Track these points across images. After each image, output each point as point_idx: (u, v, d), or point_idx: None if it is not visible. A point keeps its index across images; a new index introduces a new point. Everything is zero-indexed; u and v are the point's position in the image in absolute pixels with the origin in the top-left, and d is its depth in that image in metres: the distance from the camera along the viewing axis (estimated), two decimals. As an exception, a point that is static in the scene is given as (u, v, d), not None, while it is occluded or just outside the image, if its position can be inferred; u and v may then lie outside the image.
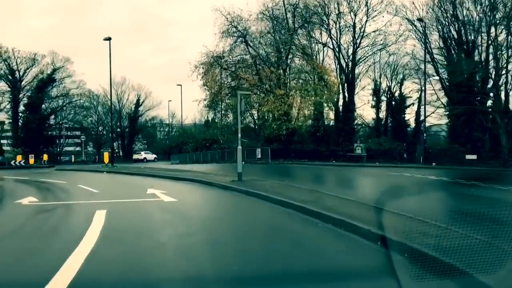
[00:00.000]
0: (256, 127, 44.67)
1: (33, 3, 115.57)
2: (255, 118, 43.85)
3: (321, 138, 47.15)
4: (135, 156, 61.15)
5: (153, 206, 10.85)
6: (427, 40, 38.38)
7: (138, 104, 74.69)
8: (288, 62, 40.69)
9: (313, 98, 36.95)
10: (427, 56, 39.51)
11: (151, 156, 57.65)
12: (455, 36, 38.33)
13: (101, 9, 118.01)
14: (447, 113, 43.19)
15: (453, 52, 39.48)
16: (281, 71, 39.09)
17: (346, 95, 45.62)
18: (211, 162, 42.72)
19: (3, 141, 66.08)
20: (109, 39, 32.91)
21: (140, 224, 8.55)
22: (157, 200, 11.93)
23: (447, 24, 38.95)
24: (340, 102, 45.51)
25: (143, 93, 74.94)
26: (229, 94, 42.52)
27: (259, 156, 37.80)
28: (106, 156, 35.33)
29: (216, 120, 44.21)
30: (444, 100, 43.70)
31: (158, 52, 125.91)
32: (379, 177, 19.21)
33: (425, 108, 38.12)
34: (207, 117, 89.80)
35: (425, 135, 37.69)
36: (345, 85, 45.29)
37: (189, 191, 14.90)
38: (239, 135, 16.77)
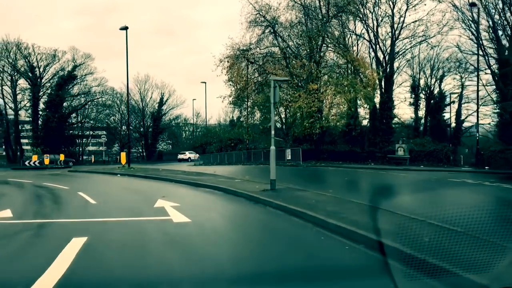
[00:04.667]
0: (285, 126, 41.26)
1: (63, 4, 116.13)
2: (284, 116, 40.45)
3: (355, 138, 43.41)
4: (180, 156, 59.00)
5: (156, 232, 7.64)
6: (478, 29, 34.19)
7: (161, 102, 72.34)
8: (321, 54, 37.11)
9: (349, 93, 33.27)
10: (476, 47, 35.37)
11: (195, 156, 55.00)
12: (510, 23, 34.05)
13: (129, 11, 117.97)
14: (497, 110, 38.99)
15: (507, 41, 35.22)
16: (313, 64, 35.55)
17: (383, 91, 41.86)
18: (236, 163, 39.58)
19: (23, 140, 64.69)
20: (125, 28, 30.11)
21: (122, 272, 5.31)
22: (164, 220, 8.72)
23: (500, 10, 34.73)
24: (377, 99, 41.74)
25: (166, 91, 72.62)
26: (256, 90, 39.25)
27: (289, 158, 34.39)
28: (123, 156, 32.57)
29: (241, 119, 41.00)
30: (494, 96, 39.51)
31: (183, 53, 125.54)
32: (451, 187, 15.52)
33: (478, 104, 33.90)
34: (232, 116, 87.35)
35: (478, 134, 33.49)
36: (383, 80, 41.53)
37: (209, 205, 11.63)
38: (273, 132, 13.39)
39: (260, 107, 37.51)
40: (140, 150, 76.95)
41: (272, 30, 36.94)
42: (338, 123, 33.26)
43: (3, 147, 61.41)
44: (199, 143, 58.06)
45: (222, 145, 49.35)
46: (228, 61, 38.19)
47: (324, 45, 36.72)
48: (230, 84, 39.46)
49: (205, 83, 61.94)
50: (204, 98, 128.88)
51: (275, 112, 41.33)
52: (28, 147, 60.64)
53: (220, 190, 14.07)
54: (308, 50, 35.74)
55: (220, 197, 12.90)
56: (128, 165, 30.74)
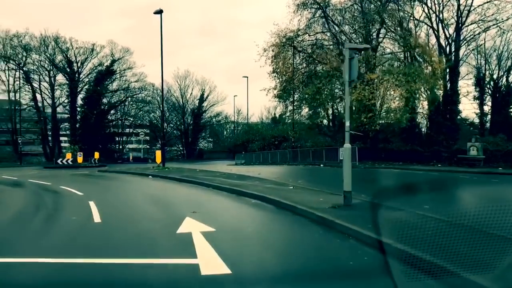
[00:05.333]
0: (335, 121, 37.21)
1: (108, 5, 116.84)
2: (335, 110, 36.43)
3: (412, 136, 38.67)
4: None
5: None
6: None
7: (202, 99, 69.68)
8: (379, 40, 32.74)
9: (413, 84, 28.77)
10: None
11: None
12: None
13: (170, 12, 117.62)
14: None
15: None
16: (370, 51, 31.26)
17: (448, 83, 36.88)
18: (280, 163, 35.88)
19: (63, 138, 63.67)
20: (160, 12, 27.04)
21: None
22: (187, 269, 5.14)
23: None
24: (439, 92, 36.82)
25: (207, 87, 69.83)
26: (304, 82, 35.34)
27: (342, 158, 30.25)
28: (157, 155, 29.56)
29: (287, 114, 37.26)
30: None
31: (224, 53, 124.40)
32: None
33: None
34: (274, 113, 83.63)
35: None
36: (446, 70, 36.56)
37: (258, 231, 7.88)
38: (347, 123, 9.43)
39: (309, 101, 33.58)
40: (180, 148, 74.72)
41: (323, 14, 32.93)
42: (403, 118, 28.85)
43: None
44: (241, 141, 54.77)
45: (265, 143, 45.79)
46: (273, 50, 34.49)
47: (383, 29, 32.33)
48: (275, 76, 35.78)
49: (247, 77, 58.64)
50: (246, 93, 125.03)
51: (320, 109, 37.66)
52: (67, 145, 59.41)
53: (270, 203, 10.39)
54: (364, 36, 31.46)
55: (272, 216, 9.21)
56: (162, 165, 27.67)
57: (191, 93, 69.64)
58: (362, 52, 31.45)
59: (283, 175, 20.95)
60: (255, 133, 50.97)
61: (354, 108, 28.88)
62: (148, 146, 72.38)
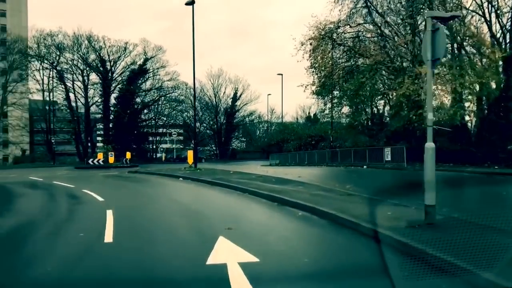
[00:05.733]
0: (382, 119, 34.68)
1: (140, 7, 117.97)
2: (374, 108, 33.90)
3: (462, 135, 35.63)
4: None
5: None
6: None
7: (235, 98, 68.19)
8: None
9: (468, 77, 25.99)
10: None
11: None
12: None
13: (203, 13, 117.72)
14: None
15: None
16: (419, 42, 28.64)
17: (503, 76, 33.68)
18: (318, 164, 33.67)
19: (100, 138, 63.46)
20: (192, 3, 25.37)
21: None
22: None
23: None
24: (492, 86, 33.68)
25: (240, 86, 68.25)
26: (343, 78, 32.96)
27: (388, 158, 27.81)
28: (189, 155, 27.95)
29: (326, 111, 34.97)
30: None
31: (256, 53, 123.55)
32: None
33: None
34: (309, 112, 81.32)
35: None
36: (499, 63, 33.36)
37: (318, 264, 5.76)
38: (430, 115, 7.21)
39: (350, 97, 31.22)
40: (213, 148, 73.47)
41: (365, 3, 30.48)
42: (456, 115, 26.10)
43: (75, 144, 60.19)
44: (275, 140, 52.78)
45: (301, 143, 43.64)
46: (311, 44, 32.22)
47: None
48: (313, 71, 33.56)
49: (282, 75, 56.35)
50: (281, 91, 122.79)
51: (362, 107, 35.14)
52: (101, 144, 59.05)
53: (323, 217, 8.32)
54: (412, 25, 28.83)
55: (330, 237, 7.12)
56: (194, 166, 25.99)
57: (224, 92, 68.33)
58: (409, 43, 28.88)
59: (326, 179, 18.86)
60: (290, 133, 48.85)
61: (404, 104, 26.39)
62: (181, 146, 71.45)
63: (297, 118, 73.44)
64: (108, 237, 7.07)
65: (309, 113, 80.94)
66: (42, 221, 9.20)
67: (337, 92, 33.97)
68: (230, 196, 12.87)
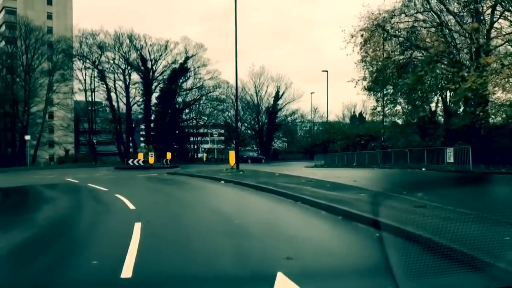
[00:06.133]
0: (435, 117, 31.75)
1: (184, 11, 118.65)
2: (441, 102, 30.94)
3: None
4: None
5: None
6: None
7: (277, 96, 66.09)
8: (493, 19, 26.89)
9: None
10: None
11: None
12: None
13: (244, 14, 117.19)
14: None
15: None
16: (485, 31, 25.72)
17: None
18: (369, 166, 31.11)
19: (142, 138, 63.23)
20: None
21: None
22: None
23: None
24: None
25: (283, 84, 66.10)
26: (398, 72, 30.24)
27: (451, 160, 24.93)
28: (231, 156, 26.14)
29: (378, 109, 32.29)
30: None
31: (298, 53, 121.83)
32: None
33: None
34: (354, 111, 78.09)
35: None
36: None
37: None
38: None
39: (407, 92, 28.52)
40: (254, 148, 71.80)
41: (423, -11, 27.74)
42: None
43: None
44: (320, 140, 50.33)
45: (349, 143, 41.06)
46: (362, 35, 29.73)
47: (498, 6, 26.46)
48: (364, 66, 31.10)
49: (327, 71, 53.75)
50: (325, 88, 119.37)
51: (421, 103, 32.16)
52: (142, 145, 58.60)
53: (417, 242, 6.13)
54: (477, 12, 25.88)
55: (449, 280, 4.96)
56: (236, 167, 24.17)
57: (266, 90, 66.43)
58: (473, 32, 25.89)
59: (387, 183, 16.53)
60: (337, 132, 46.31)
61: (468, 100, 23.55)
62: (222, 146, 70.22)
63: (341, 118, 70.64)
64: (127, 269, 5.20)
65: (354, 111, 77.94)
66: (53, 239, 7.50)
67: (391, 87, 31.29)
68: (280, 206, 10.86)
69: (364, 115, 76.09)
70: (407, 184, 15.82)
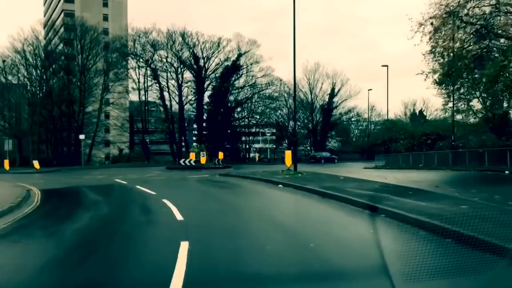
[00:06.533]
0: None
1: (235, 12, 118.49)
2: None
3: None
4: None
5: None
6: None
7: (332, 94, 63.23)
8: None
9: None
10: None
11: None
12: None
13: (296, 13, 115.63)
14: None
15: None
16: None
17: None
18: (439, 167, 28.06)
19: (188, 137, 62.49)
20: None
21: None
22: None
23: None
24: None
25: (338, 81, 63.15)
26: (473, 63, 26.99)
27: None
28: (287, 156, 24.10)
29: (449, 105, 29.11)
30: None
31: (350, 51, 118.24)
32: None
33: None
34: (414, 109, 73.56)
35: None
36: None
37: None
38: None
39: (487, 85, 25.29)
40: (307, 148, 69.37)
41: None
42: None
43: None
44: (381, 139, 47.12)
45: (414, 142, 37.82)
46: (431, 24, 26.75)
47: None
48: (433, 58, 28.04)
49: (387, 66, 50.27)
50: (383, 85, 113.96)
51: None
52: (194, 144, 57.85)
53: None
54: None
55: None
56: (294, 169, 22.10)
57: (321, 87, 63.73)
58: None
59: (481, 191, 13.78)
60: (399, 130, 42.99)
61: None
62: (274, 146, 68.31)
63: (403, 114, 66.82)
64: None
65: (413, 109, 73.58)
66: (73, 264, 5.80)
67: (465, 80, 28.06)
68: (358, 220, 8.71)
69: (424, 112, 71.74)
70: (499, 191, 13.07)
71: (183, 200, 12.47)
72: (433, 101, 68.92)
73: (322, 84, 63.38)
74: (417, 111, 72.95)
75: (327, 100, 63.87)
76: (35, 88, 55.20)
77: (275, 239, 7.10)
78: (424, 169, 28.99)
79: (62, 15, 73.20)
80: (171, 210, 10.31)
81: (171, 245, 6.51)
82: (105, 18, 75.93)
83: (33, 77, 54.18)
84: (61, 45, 58.54)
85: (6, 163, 36.51)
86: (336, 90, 62.61)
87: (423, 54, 28.32)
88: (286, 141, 67.93)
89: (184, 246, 6.29)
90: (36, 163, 37.66)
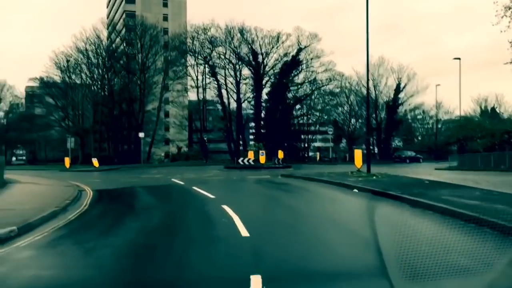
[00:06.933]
0: None
1: (294, 7, 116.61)
2: None
3: None
4: None
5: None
6: None
7: (398, 89, 59.57)
8: None
9: None
10: None
11: None
12: None
13: (352, 10, 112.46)
14: None
15: None
16: None
17: None
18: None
19: (251, 136, 61.24)
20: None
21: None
22: None
23: None
24: None
25: (404, 76, 59.35)
26: None
27: None
28: (357, 155, 21.74)
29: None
30: None
31: (412, 47, 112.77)
32: None
33: None
34: (485, 105, 67.77)
35: None
36: None
37: None
38: None
39: None
40: (370, 147, 65.96)
41: None
42: None
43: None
44: (455, 137, 43.18)
45: (494, 141, 33.94)
46: (520, 6, 23.35)
47: None
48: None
49: (459, 59, 46.08)
50: (454, 80, 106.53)
51: None
52: (252, 143, 56.42)
53: None
54: None
55: None
56: (367, 170, 19.72)
57: (386, 83, 60.16)
58: None
59: None
60: (475, 128, 39.00)
61: None
62: (333, 144, 65.57)
63: (475, 111, 61.90)
64: None
65: (485, 106, 67.95)
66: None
67: None
68: (490, 245, 6.41)
69: (498, 109, 65.94)
70: None
71: (246, 207, 10.67)
72: (507, 98, 63.36)
73: (386, 79, 59.98)
74: (489, 108, 67.38)
75: (392, 96, 60.31)
76: (97, 87, 56.04)
77: (371, 274, 5.01)
78: (510, 171, 25.62)
79: (123, 15, 74.43)
80: (233, 220, 8.53)
81: (238, 283, 4.68)
82: (165, 18, 76.39)
83: (95, 76, 54.98)
84: (123, 45, 59.17)
85: (67, 161, 36.71)
86: (402, 86, 58.90)
87: (510, 42, 24.92)
88: (344, 140, 64.92)
89: (256, 284, 4.44)
90: (95, 161, 37.63)
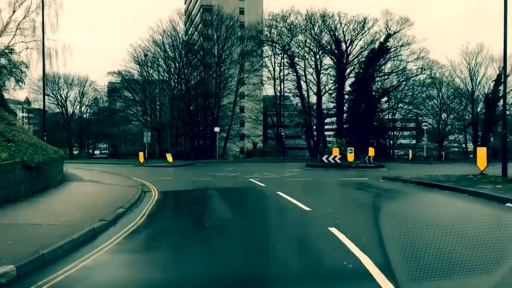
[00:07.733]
0: None
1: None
2: None
3: None
4: None
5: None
6: None
7: (498, 80, 52.24)
8: None
9: None
10: None
11: None
12: None
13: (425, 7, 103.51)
14: None
15: None
16: None
17: None
18: None
19: (327, 133, 57.02)
20: None
21: None
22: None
23: None
24: None
25: (508, 64, 51.78)
26: None
27: None
28: (481, 155, 17.19)
29: None
30: None
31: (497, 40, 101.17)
32: None
33: None
34: None
35: None
36: None
37: None
38: None
39: None
40: (462, 145, 59.26)
41: None
42: None
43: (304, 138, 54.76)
44: None
45: None
46: None
47: None
48: None
49: None
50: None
51: None
52: (332, 139, 52.27)
53: None
54: None
55: None
56: (503, 174, 15.18)
57: (484, 73, 53.13)
58: None
59: None
60: None
61: None
62: (414, 141, 59.43)
63: None
64: None
65: None
66: None
67: None
68: None
69: None
70: None
71: (367, 232, 7.13)
72: None
73: (485, 69, 52.88)
74: None
75: (492, 88, 53.20)
76: (174, 82, 54.96)
77: None
78: None
79: (200, 10, 73.57)
80: (359, 260, 5.11)
81: None
82: (241, 11, 74.54)
83: (172, 70, 53.85)
84: (200, 40, 57.69)
85: (141, 156, 35.23)
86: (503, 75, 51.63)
87: None
88: (438, 135, 58.63)
89: None
90: (169, 157, 35.83)
